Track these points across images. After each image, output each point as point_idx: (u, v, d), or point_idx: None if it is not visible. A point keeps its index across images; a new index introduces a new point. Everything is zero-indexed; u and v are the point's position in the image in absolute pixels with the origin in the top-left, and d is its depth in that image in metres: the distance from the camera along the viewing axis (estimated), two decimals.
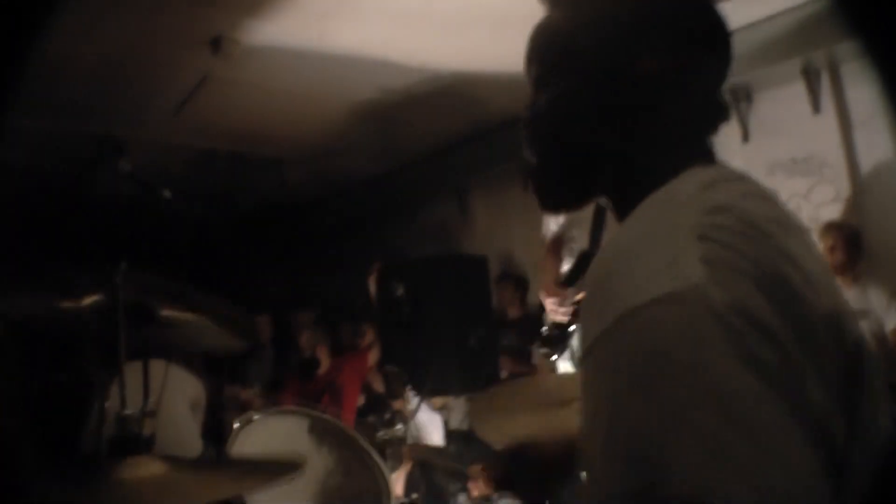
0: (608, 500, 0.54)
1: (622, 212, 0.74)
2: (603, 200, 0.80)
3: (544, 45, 0.79)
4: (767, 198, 0.68)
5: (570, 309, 2.93)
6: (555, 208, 0.84)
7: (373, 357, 4.38)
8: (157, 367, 2.05)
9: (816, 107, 3.55)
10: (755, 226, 0.62)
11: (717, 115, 0.76)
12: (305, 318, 4.83)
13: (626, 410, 0.54)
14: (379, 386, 4.35)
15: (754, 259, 0.59)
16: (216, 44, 3.39)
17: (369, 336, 4.48)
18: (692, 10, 0.74)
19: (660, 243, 0.61)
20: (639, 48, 0.72)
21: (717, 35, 0.75)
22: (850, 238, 3.28)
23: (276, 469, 1.50)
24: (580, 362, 0.63)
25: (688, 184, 0.68)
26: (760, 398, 0.52)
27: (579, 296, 2.88)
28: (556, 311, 2.99)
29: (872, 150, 3.39)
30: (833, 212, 3.50)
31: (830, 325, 0.60)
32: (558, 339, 2.99)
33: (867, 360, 0.63)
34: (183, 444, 2.97)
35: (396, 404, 3.86)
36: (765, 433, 0.51)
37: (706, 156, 0.75)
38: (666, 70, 0.71)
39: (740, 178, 0.70)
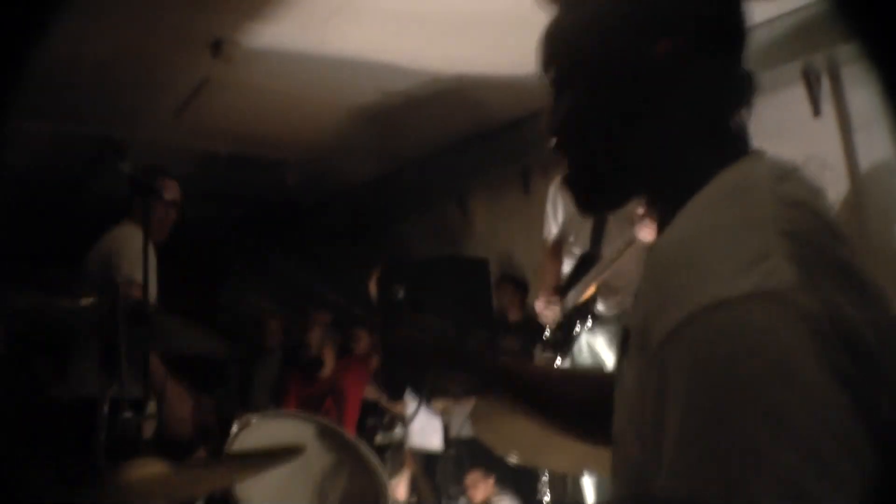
0: (689, 496, 0.52)
1: (666, 207, 0.72)
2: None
3: (559, 47, 0.77)
4: (824, 195, 0.66)
5: (563, 314, 2.94)
6: (596, 211, 0.82)
7: (374, 361, 4.36)
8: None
9: (816, 110, 3.54)
10: (829, 224, 0.60)
11: (742, 89, 0.73)
12: (322, 318, 4.79)
13: (709, 407, 0.52)
14: (372, 392, 4.33)
15: (835, 259, 0.57)
16: (217, 46, 3.39)
17: (366, 340, 4.46)
18: None
19: (741, 235, 0.58)
20: (654, 31, 0.70)
21: (730, 7, 0.72)
22: None
23: (272, 455, 1.50)
24: (649, 349, 0.59)
25: (757, 174, 0.66)
26: (843, 409, 0.51)
27: (584, 297, 2.90)
28: (547, 315, 3.00)
29: (873, 152, 3.39)
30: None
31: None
32: (562, 342, 2.99)
33: None
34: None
35: (396, 408, 3.85)
36: (847, 443, 0.50)
37: (745, 143, 0.72)
38: (684, 49, 0.69)
39: (800, 171, 0.67)
